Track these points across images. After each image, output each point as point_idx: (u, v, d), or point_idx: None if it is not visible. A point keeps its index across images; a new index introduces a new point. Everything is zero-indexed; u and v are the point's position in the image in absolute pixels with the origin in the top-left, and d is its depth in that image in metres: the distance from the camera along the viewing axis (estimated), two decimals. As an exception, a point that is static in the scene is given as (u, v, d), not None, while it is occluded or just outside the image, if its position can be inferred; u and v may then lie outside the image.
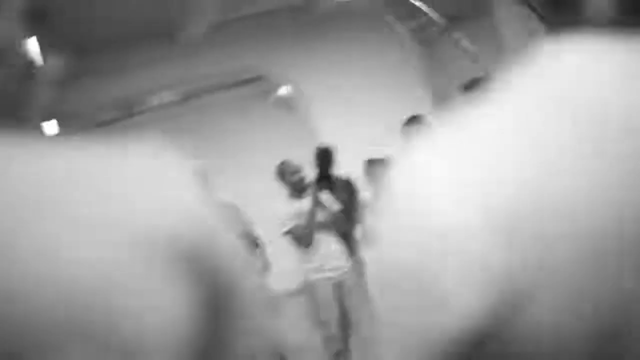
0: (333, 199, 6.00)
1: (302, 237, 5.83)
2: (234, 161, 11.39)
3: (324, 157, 6.20)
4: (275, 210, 5.86)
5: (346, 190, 6.49)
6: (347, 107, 9.80)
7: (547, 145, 0.71)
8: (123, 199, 0.80)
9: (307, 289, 5.98)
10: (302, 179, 5.95)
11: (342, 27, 9.47)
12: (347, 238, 6.18)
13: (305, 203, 5.85)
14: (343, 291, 5.91)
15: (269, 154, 7.81)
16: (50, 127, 8.64)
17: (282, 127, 11.44)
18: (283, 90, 10.38)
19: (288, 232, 5.85)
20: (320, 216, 5.83)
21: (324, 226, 5.86)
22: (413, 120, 6.05)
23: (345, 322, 5.93)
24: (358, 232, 6.35)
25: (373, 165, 6.42)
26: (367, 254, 6.35)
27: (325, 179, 6.13)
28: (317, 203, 5.83)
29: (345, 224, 6.07)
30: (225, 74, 9.70)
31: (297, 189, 5.92)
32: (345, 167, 6.60)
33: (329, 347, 5.87)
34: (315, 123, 9.71)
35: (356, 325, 5.90)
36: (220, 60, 9.21)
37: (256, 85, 10.63)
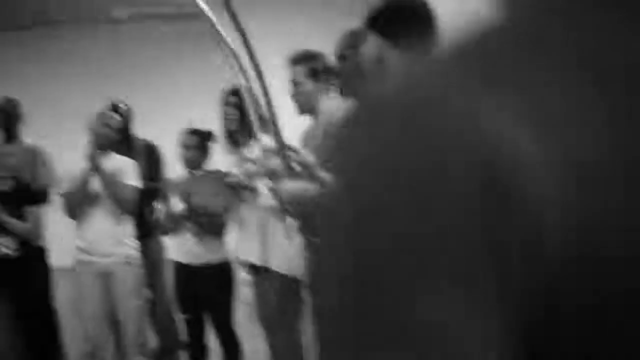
0: (129, 163, 5.00)
1: (69, 206, 4.83)
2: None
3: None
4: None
5: (147, 157, 5.52)
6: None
7: None
8: None
9: (73, 272, 4.91)
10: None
11: None
12: (139, 217, 5.11)
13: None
14: (110, 283, 4.83)
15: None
16: None
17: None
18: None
19: (62, 195, 4.88)
20: (100, 183, 4.75)
21: (98, 197, 4.79)
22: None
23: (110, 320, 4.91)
24: (155, 210, 5.31)
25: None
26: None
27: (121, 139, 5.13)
28: (94, 166, 4.71)
29: (138, 198, 4.97)
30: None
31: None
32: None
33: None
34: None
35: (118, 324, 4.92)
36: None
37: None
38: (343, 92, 3.53)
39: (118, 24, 10.23)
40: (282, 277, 4.29)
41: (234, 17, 2.31)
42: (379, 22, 2.41)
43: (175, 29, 10.20)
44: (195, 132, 4.94)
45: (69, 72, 10.35)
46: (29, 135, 5.71)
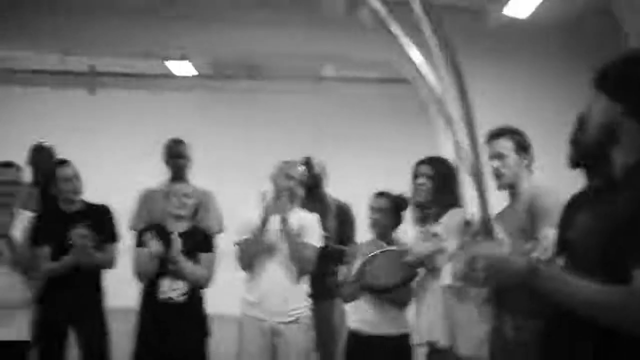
0: (314, 221, 4.67)
1: (244, 256, 4.54)
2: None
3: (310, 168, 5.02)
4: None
5: (338, 217, 5.26)
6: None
7: None
8: None
9: (238, 326, 4.60)
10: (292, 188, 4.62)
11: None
12: (319, 277, 4.81)
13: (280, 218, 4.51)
14: (277, 343, 4.49)
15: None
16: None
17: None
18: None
19: (237, 244, 4.59)
20: (280, 237, 4.49)
21: (270, 250, 4.49)
22: None
23: None
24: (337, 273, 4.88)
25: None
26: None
27: (312, 194, 4.95)
28: (282, 220, 4.46)
29: (319, 257, 4.63)
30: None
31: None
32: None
33: None
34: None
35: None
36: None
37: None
38: (574, 164, 3.11)
39: (325, 82, 10.27)
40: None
41: (458, 78, 1.94)
42: (608, 82, 1.97)
43: (380, 92, 10.11)
44: (385, 196, 4.58)
45: (269, 121, 10.52)
46: (209, 181, 5.66)
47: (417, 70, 2.10)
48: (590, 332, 1.87)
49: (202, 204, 5.24)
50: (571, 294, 1.87)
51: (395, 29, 2.05)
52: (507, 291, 2.05)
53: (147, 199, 5.41)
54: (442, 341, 4.05)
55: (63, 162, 5.02)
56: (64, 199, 4.93)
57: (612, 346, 1.86)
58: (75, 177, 4.94)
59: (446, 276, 3.99)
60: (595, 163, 2.99)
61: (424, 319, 4.20)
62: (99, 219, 4.92)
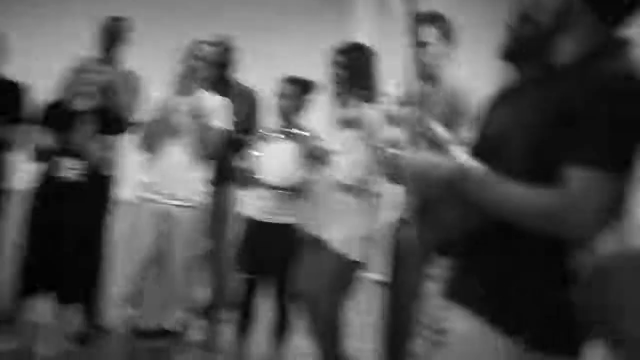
0: (222, 104, 4.61)
1: (146, 137, 4.44)
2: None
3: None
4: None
5: (245, 102, 5.17)
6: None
7: None
8: None
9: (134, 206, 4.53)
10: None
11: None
12: (220, 162, 4.80)
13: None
14: (168, 227, 4.43)
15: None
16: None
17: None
18: None
19: (140, 126, 4.54)
20: (185, 118, 4.42)
21: (174, 132, 4.41)
22: None
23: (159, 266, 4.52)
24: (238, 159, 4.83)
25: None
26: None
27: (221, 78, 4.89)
28: (189, 101, 4.43)
29: (223, 142, 4.60)
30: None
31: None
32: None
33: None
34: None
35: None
36: None
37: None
38: (509, 55, 3.00)
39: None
40: (337, 255, 4.04)
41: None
42: None
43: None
44: (293, 81, 4.54)
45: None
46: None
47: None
48: (510, 247, 1.81)
49: (119, 84, 5.08)
50: (502, 197, 1.77)
51: None
52: (434, 201, 1.93)
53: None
54: (314, 230, 4.14)
55: None
56: None
57: (531, 261, 1.78)
58: None
59: (339, 171, 4.03)
60: (534, 53, 2.86)
61: (313, 214, 4.23)
62: (4, 95, 4.70)
